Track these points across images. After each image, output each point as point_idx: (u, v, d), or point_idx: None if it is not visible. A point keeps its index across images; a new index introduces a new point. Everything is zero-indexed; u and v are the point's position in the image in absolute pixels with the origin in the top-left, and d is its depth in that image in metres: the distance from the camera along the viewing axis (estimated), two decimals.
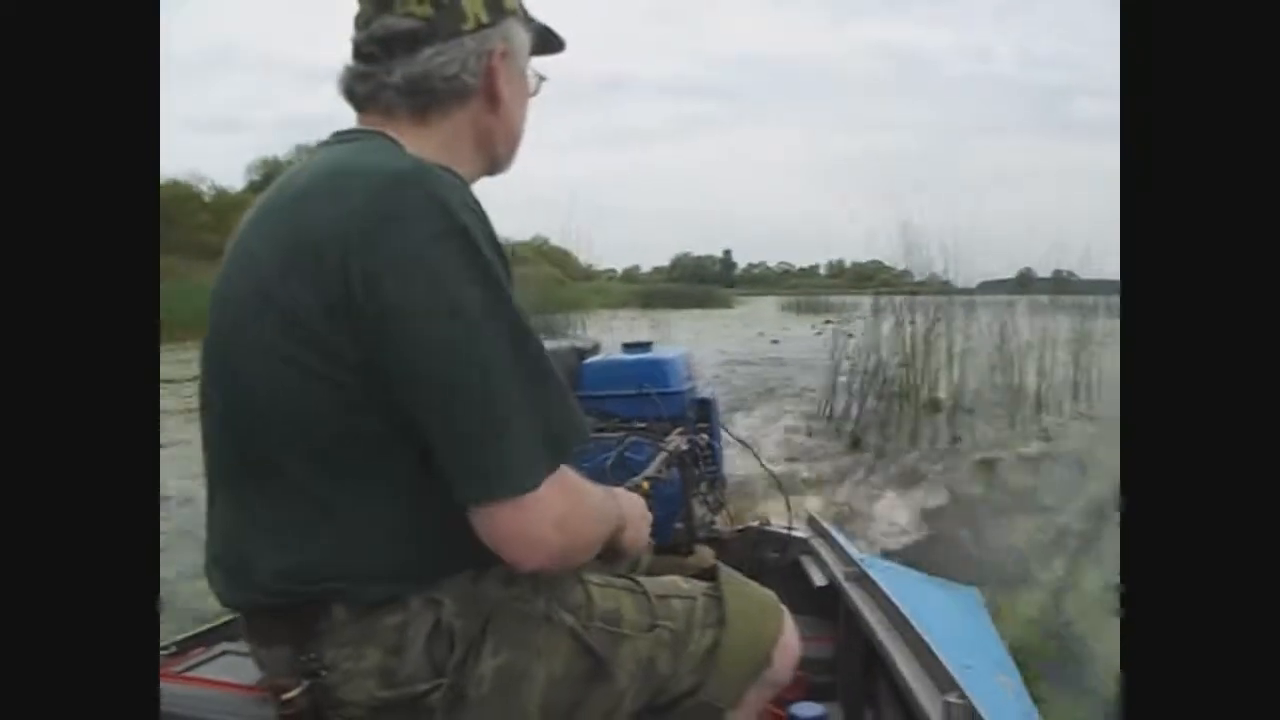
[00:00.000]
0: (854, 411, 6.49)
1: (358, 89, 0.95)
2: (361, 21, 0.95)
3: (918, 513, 4.22)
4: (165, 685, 1.15)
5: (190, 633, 1.38)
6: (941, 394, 6.62)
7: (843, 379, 6.76)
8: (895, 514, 4.09)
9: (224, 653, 1.26)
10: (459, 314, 0.78)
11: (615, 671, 0.96)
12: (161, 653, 1.29)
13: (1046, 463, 5.29)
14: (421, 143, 0.92)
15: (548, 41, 1.08)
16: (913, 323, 7.04)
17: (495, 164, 1.04)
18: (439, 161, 0.87)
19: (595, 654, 0.95)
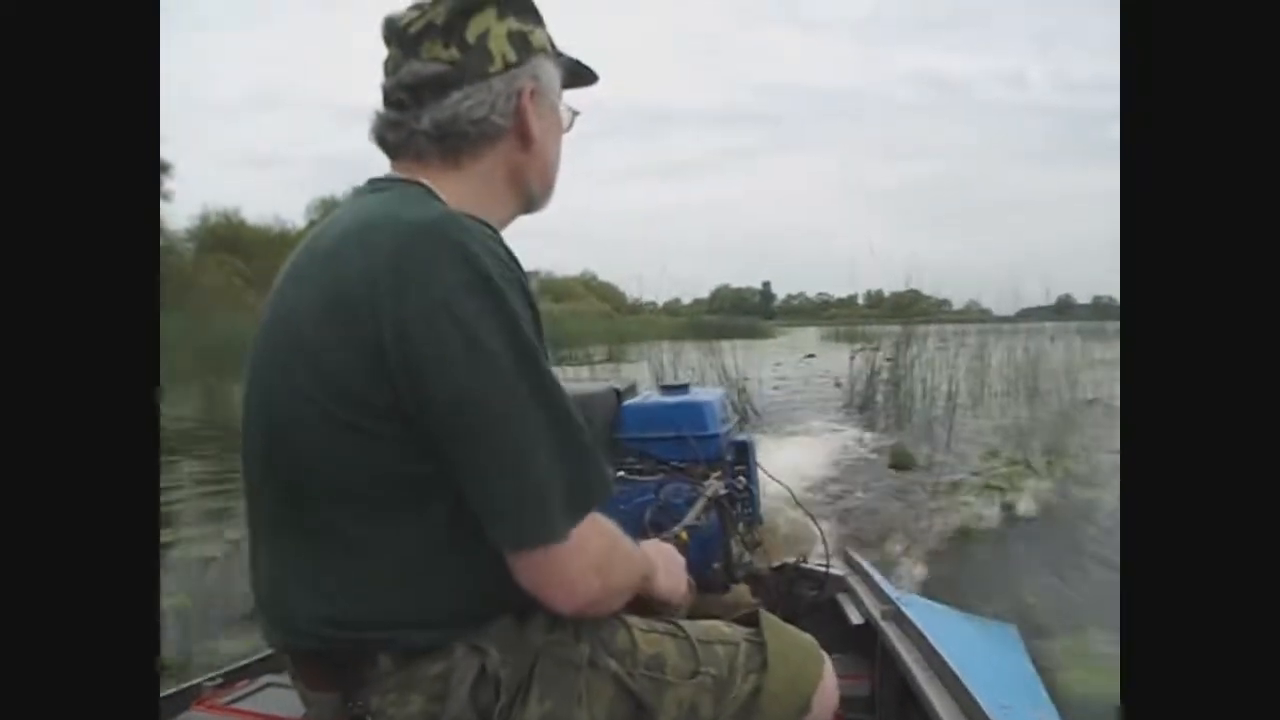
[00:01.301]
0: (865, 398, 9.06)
1: (389, 136, 0.93)
2: (390, 68, 0.93)
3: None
4: (209, 717, 1.15)
5: (234, 665, 1.37)
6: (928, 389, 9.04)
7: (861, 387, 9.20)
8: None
9: (267, 685, 1.25)
10: (486, 364, 0.76)
11: (658, 718, 0.93)
12: (206, 684, 1.30)
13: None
14: (455, 186, 0.91)
15: (579, 75, 1.05)
16: (939, 347, 9.17)
17: (531, 202, 1.02)
18: (473, 204, 0.86)
19: (639, 700, 0.92)
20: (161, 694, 1.24)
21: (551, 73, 0.99)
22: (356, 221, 0.84)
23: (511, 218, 1.01)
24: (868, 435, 7.22)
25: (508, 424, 0.77)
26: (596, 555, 0.82)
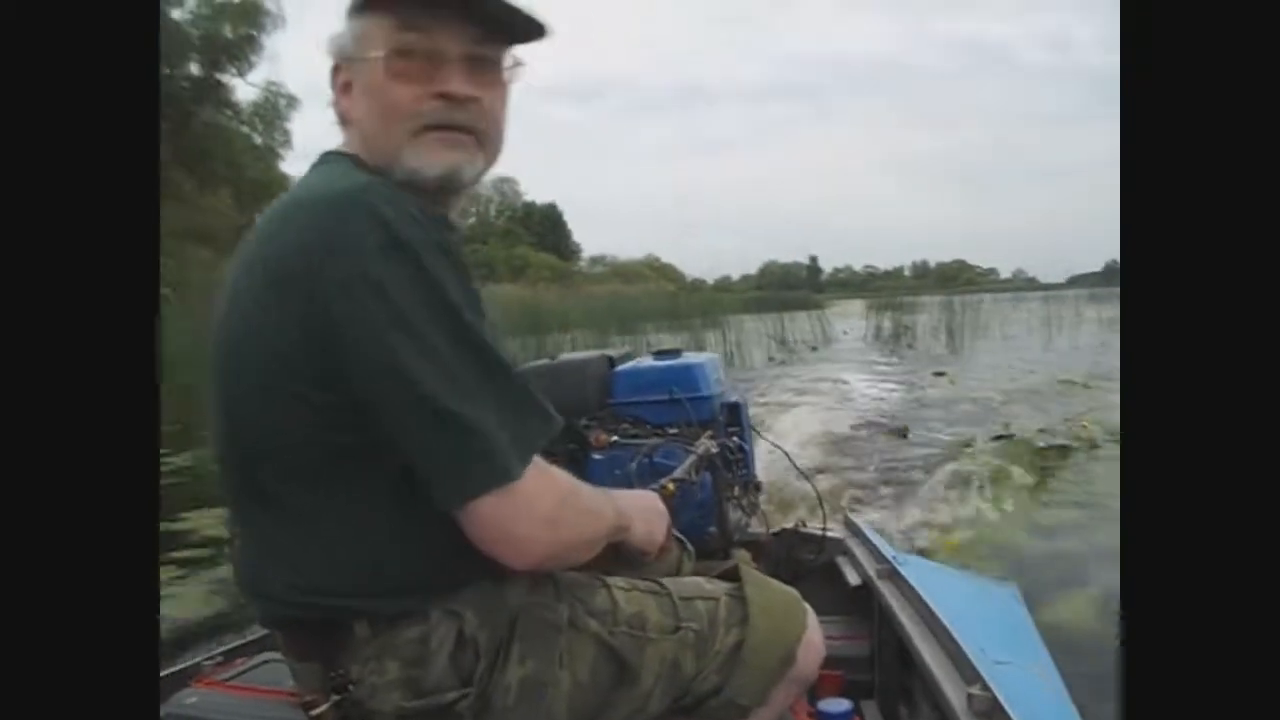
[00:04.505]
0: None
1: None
2: None
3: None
4: (209, 694, 1.12)
5: (234, 643, 1.34)
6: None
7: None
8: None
9: (265, 661, 1.22)
10: (404, 326, 0.72)
11: (641, 674, 0.89)
12: (206, 663, 1.26)
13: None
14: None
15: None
16: (944, 314, 14.58)
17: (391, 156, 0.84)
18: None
19: (621, 658, 0.88)
20: (161, 672, 1.21)
21: (358, 29, 0.84)
22: (290, 199, 0.83)
23: (418, 157, 0.84)
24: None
25: (430, 381, 0.73)
26: (547, 508, 0.77)
